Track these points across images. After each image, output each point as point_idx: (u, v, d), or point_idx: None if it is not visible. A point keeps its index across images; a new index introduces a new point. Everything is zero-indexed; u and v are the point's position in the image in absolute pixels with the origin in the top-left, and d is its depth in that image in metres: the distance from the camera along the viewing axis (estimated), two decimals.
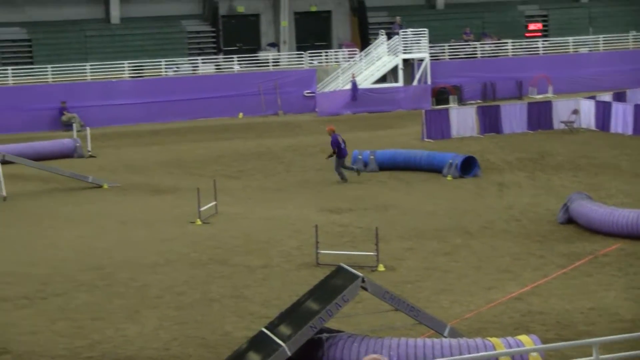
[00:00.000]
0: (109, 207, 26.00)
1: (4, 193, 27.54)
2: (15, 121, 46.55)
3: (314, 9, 57.61)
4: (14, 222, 24.31)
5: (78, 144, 37.33)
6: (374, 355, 7.17)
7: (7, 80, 48.83)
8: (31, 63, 51.44)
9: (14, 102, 47.46)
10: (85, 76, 49.89)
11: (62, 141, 38.02)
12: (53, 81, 49.40)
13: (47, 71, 49.54)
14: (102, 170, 32.38)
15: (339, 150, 28.24)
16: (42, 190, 29.46)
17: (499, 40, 55.22)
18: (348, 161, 29.83)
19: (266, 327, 12.76)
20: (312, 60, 53.46)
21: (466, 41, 54.70)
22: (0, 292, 17.23)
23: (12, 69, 49.25)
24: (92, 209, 25.81)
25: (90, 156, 36.71)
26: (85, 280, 17.97)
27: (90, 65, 50.15)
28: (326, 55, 54.14)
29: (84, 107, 48.00)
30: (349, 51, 53.79)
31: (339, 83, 50.43)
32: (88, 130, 38.40)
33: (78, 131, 40.32)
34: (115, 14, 54.45)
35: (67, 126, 45.07)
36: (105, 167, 33.47)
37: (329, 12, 57.97)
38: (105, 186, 29.20)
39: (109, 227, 23.28)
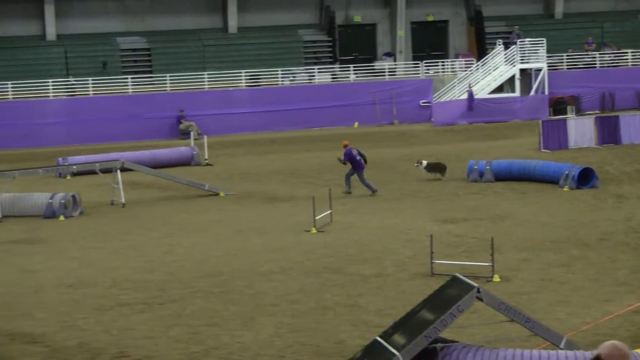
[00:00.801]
0: (225, 215, 26.37)
1: (123, 200, 28.19)
2: (135, 129, 47.58)
3: (430, 18, 57.46)
4: (132, 229, 24.85)
5: (195, 152, 37.97)
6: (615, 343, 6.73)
7: (127, 88, 49.90)
8: (150, 72, 52.49)
9: (134, 110, 48.51)
10: (203, 85, 50.69)
11: (180, 149, 38.71)
12: (171, 90, 50.32)
13: (165, 80, 50.48)
14: (219, 179, 32.86)
15: (353, 163, 28.42)
16: (160, 197, 30.05)
17: (618, 50, 54.20)
18: (459, 172, 29.71)
19: (380, 336, 12.78)
20: (428, 69, 53.32)
21: (587, 51, 53.84)
22: (119, 297, 17.62)
23: (132, 78, 50.32)
24: (209, 217, 26.21)
25: (207, 164, 37.29)
26: (201, 287, 18.25)
27: (208, 74, 50.92)
28: (442, 65, 53.94)
29: (201, 116, 48.77)
30: (465, 61, 53.51)
31: (455, 93, 50.19)
32: (205, 139, 38.99)
33: (195, 139, 40.99)
34: (233, 23, 55.18)
35: (185, 134, 45.89)
36: (221, 175, 33.96)
37: (445, 21, 57.75)
38: (222, 194, 29.63)
39: (225, 234, 23.61)
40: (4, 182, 27.92)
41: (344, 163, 28.72)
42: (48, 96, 49.00)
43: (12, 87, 48.70)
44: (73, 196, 27.38)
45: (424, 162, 30.79)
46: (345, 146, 28.90)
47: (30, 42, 53.05)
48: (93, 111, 48.21)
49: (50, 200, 26.98)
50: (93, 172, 30.59)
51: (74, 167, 31.69)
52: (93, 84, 49.64)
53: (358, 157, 28.43)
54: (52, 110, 48.26)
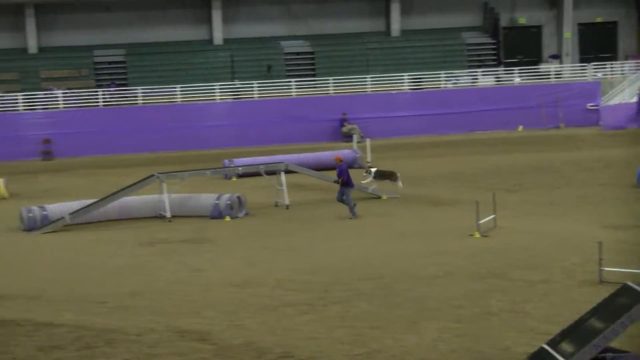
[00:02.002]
0: (388, 218, 26.37)
1: (287, 202, 28.53)
2: (298, 132, 48.13)
3: (598, 19, 56.18)
4: (296, 231, 25.12)
5: (358, 155, 38.13)
6: None
7: (291, 92, 50.52)
8: (314, 75, 53.01)
9: (297, 113, 49.08)
10: (366, 88, 50.87)
11: (343, 152, 38.90)
12: (334, 93, 50.68)
13: (328, 83, 50.88)
14: (381, 181, 32.88)
15: (348, 180, 27.01)
16: (323, 199, 30.28)
17: None
18: (627, 178, 28.89)
19: (547, 344, 12.52)
20: (596, 72, 52.09)
21: None
22: (283, 298, 17.82)
23: (296, 81, 50.92)
24: (371, 220, 26.26)
25: (370, 167, 37.38)
26: (364, 290, 18.28)
27: (371, 77, 51.07)
28: (611, 67, 52.61)
29: (364, 119, 48.96)
30: (635, 63, 52.02)
31: (625, 96, 48.86)
32: (368, 142, 39.10)
33: (358, 142, 41.16)
34: (396, 26, 55.23)
35: (348, 137, 46.15)
36: None
37: (614, 22, 56.37)
38: (384, 197, 29.66)
39: (388, 237, 23.61)
40: (174, 183, 28.67)
41: (341, 180, 27.03)
42: (215, 99, 50.08)
43: (181, 91, 49.95)
44: (238, 197, 27.90)
45: (373, 171, 30.08)
46: (339, 161, 27.51)
47: (198, 46, 54.36)
48: (258, 114, 49.04)
49: (217, 201, 27.55)
50: (258, 174, 31.09)
51: (240, 169, 32.27)
52: (258, 87, 50.45)
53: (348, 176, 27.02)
54: (219, 113, 49.30)
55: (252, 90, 50.58)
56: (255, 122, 48.72)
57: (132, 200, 28.26)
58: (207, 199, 28.03)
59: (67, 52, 53.49)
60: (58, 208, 27.27)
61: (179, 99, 49.96)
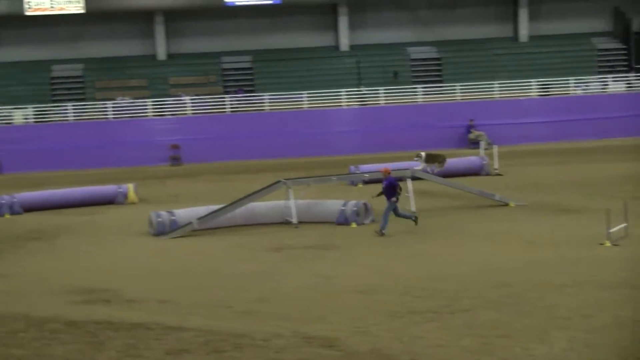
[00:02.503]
0: (516, 226, 26.02)
1: (414, 209, 28.40)
2: (424, 138, 47.97)
3: None
4: (424, 238, 24.97)
5: (485, 162, 37.76)
6: None
7: (417, 98, 50.38)
8: (440, 81, 52.77)
9: (423, 119, 48.94)
10: (493, 94, 50.37)
11: (470, 159, 38.60)
12: (461, 99, 50.35)
13: (455, 89, 50.57)
14: (508, 189, 32.48)
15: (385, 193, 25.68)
16: (450, 206, 30.06)
17: None
18: None
19: None
20: None
21: None
22: (410, 305, 17.72)
23: (422, 87, 50.74)
24: (499, 227, 25.94)
25: (497, 174, 36.98)
26: (491, 298, 18.05)
27: (498, 83, 50.56)
28: None
29: (491, 125, 48.52)
30: None
31: None
32: (495, 148, 38.68)
33: (485, 149, 40.78)
34: (524, 32, 54.60)
35: (474, 144, 45.77)
36: (511, 186, 33.56)
37: None
38: (512, 204, 29.28)
39: (515, 245, 23.28)
40: (300, 189, 28.84)
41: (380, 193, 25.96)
42: (341, 105, 50.26)
43: (308, 97, 50.29)
44: (365, 204, 27.89)
45: (423, 155, 29.30)
46: (387, 174, 26.31)
47: (325, 52, 54.67)
48: (383, 120, 49.05)
49: (343, 208, 27.60)
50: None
51: (366, 175, 32.26)
52: (384, 93, 50.44)
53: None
54: (345, 120, 49.47)
55: (378, 97, 50.59)
56: (381, 128, 48.73)
57: (259, 206, 28.53)
58: (333, 205, 28.11)
59: (195, 58, 54.44)
60: (186, 213, 27.70)
61: (305, 105, 50.30)
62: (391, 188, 25.51)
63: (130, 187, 34.76)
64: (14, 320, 17.82)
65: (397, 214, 25.83)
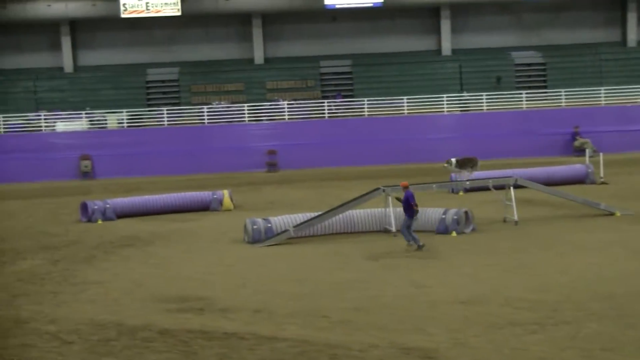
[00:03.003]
0: (621, 236, 25.59)
1: (516, 217, 28.14)
2: (527, 145, 47.55)
3: None
4: (525, 247, 24.72)
5: (590, 170, 37.24)
6: None
7: (521, 104, 49.93)
8: (545, 87, 52.23)
9: (527, 126, 48.49)
10: (599, 101, 49.66)
11: (574, 167, 38.11)
12: (566, 105, 49.74)
13: (560, 95, 49.99)
14: (614, 198, 32.00)
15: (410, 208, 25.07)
16: (553, 215, 29.71)
17: None
18: None
19: None
20: None
21: None
22: (512, 316, 17.57)
23: (526, 93, 50.28)
24: (604, 237, 25.55)
25: (602, 183, 36.45)
26: (595, 309, 17.79)
27: (605, 89, 49.84)
28: None
29: (596, 133, 47.84)
30: None
31: None
32: (601, 156, 38.12)
33: (590, 157, 40.21)
34: (632, 37, 53.83)
35: (579, 151, 45.18)
36: (617, 195, 33.05)
37: None
38: (618, 214, 28.81)
39: (621, 255, 22.90)
40: (399, 196, 28.74)
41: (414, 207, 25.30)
42: (442, 111, 50.06)
43: (408, 102, 50.21)
44: (466, 212, 27.73)
45: (453, 161, 28.25)
46: (405, 188, 25.71)
47: (426, 57, 54.54)
48: (486, 126, 48.72)
49: (443, 216, 27.49)
50: (486, 189, 30.81)
51: (467, 182, 32.04)
52: (487, 98, 50.09)
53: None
54: (446, 126, 49.27)
55: (481, 102, 50.26)
56: (484, 134, 48.39)
57: (357, 214, 28.57)
58: (433, 213, 28.01)
59: (293, 62, 54.80)
60: (282, 220, 27.87)
61: (405, 111, 50.21)
62: (407, 203, 25.15)
63: (225, 194, 35.11)
64: (105, 328, 18.13)
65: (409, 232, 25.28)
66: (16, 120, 51.12)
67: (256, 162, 48.61)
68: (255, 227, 27.41)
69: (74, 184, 45.54)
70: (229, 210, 34.43)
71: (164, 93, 54.75)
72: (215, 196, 34.90)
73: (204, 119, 50.94)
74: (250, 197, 37.25)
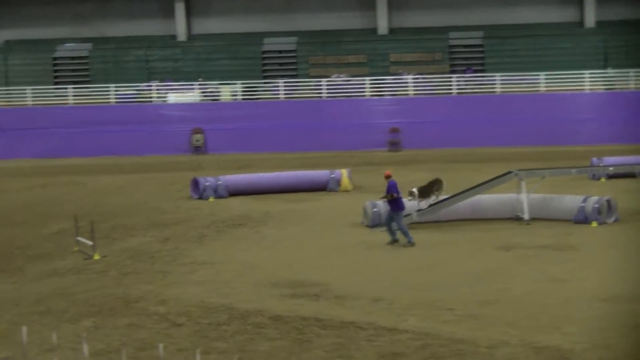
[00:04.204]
0: None
1: None
2: None
3: None
4: None
5: None
6: None
7: None
8: None
9: None
10: None
11: None
12: None
13: None
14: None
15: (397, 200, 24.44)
16: None
17: None
18: None
19: None
20: None
21: None
22: None
23: None
24: None
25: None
26: None
27: None
28: None
29: None
30: None
31: None
32: None
33: None
34: None
35: None
36: None
37: None
38: None
39: None
40: (534, 181, 28.39)
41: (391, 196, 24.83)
42: (583, 89, 49.22)
43: (545, 79, 49.50)
44: (608, 201, 27.20)
45: (415, 190, 26.81)
46: (388, 177, 25.18)
47: (566, 29, 53.68)
48: (633, 107, 47.69)
49: (583, 204, 27.02)
50: (631, 175, 30.21)
51: (610, 168, 31.44)
52: (634, 76, 49.07)
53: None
54: (588, 105, 48.44)
55: (627, 80, 49.24)
56: (631, 116, 47.39)
57: (486, 199, 28.29)
58: (571, 201, 27.55)
59: (419, 33, 54.48)
60: (404, 204, 27.73)
61: (542, 88, 49.53)
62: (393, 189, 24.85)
63: (343, 173, 35.13)
64: (216, 311, 18.32)
65: (389, 224, 24.99)
66: (127, 90, 51.99)
67: (377, 141, 48.53)
68: (375, 210, 27.36)
69: (185, 158, 46.18)
70: (347, 191, 34.46)
71: (280, 64, 55.02)
72: (333, 176, 34.94)
73: (322, 93, 51.03)
74: (370, 178, 37.20)
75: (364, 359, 15.16)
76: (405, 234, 24.65)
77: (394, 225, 24.88)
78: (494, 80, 50.31)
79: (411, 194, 26.35)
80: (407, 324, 16.94)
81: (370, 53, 54.17)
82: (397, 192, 24.84)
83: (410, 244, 24.45)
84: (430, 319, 17.29)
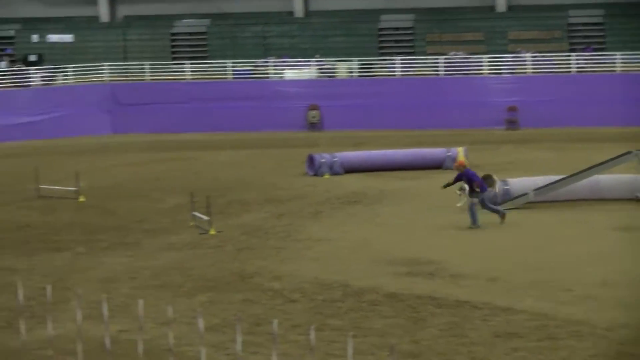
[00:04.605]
0: None
1: None
2: None
3: None
4: None
5: None
6: None
7: None
8: None
9: None
10: None
11: None
12: None
13: None
14: None
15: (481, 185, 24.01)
16: None
17: None
18: None
19: None
20: None
21: None
22: None
23: None
24: None
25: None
26: None
27: None
28: None
29: None
30: None
31: None
32: None
33: None
34: None
35: None
36: None
37: None
38: None
39: None
40: None
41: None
42: None
43: None
44: None
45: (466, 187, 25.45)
46: (462, 167, 24.77)
47: None
48: None
49: None
50: None
51: None
52: None
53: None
54: None
55: None
56: None
57: (605, 179, 27.81)
58: None
59: (538, 11, 53.72)
60: (520, 183, 27.46)
61: None
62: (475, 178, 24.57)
63: (460, 151, 34.88)
64: (331, 288, 18.40)
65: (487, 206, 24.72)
66: (244, 66, 52.36)
67: (494, 119, 48.06)
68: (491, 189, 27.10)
69: (301, 135, 46.37)
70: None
71: (396, 42, 54.78)
72: (449, 154, 34.74)
73: (439, 71, 50.74)
74: (486, 157, 36.88)
75: (478, 338, 15.07)
76: (472, 214, 24.25)
77: (486, 205, 24.57)
78: (615, 58, 49.37)
79: (462, 189, 25.92)
80: (523, 304, 16.80)
81: (488, 31, 53.59)
82: (477, 179, 24.49)
83: (475, 226, 24.10)
84: (546, 300, 17.12)
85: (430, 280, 18.83)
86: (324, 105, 49.47)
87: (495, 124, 48.03)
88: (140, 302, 13.12)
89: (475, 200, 24.38)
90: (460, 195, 25.35)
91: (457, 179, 24.78)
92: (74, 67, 50.84)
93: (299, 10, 56.32)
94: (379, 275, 19.28)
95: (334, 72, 51.82)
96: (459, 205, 25.09)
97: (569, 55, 50.09)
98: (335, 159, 33.97)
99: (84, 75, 51.07)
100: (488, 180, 26.11)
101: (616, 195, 27.67)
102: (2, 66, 50.71)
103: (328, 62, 52.01)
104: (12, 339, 15.77)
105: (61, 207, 28.32)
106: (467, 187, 25.24)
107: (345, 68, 51.69)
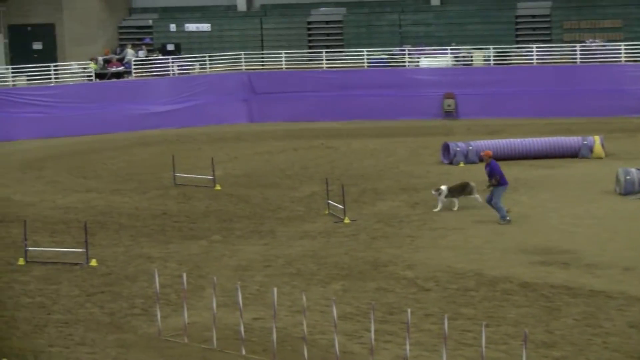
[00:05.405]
0: None
1: None
2: None
3: None
4: None
5: None
6: None
7: None
8: None
9: None
10: None
11: None
12: None
13: None
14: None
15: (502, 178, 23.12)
16: None
17: None
18: None
19: None
20: None
21: None
22: None
23: None
24: None
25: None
26: None
27: None
28: None
29: None
30: None
31: None
32: None
33: None
34: None
35: None
36: None
37: None
38: None
39: None
40: None
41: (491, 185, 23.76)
42: None
43: None
44: None
45: (444, 188, 23.72)
46: (488, 158, 23.99)
47: None
48: None
49: None
50: None
51: None
52: None
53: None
54: None
55: None
56: None
57: None
58: None
59: None
60: None
61: None
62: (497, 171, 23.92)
63: (596, 140, 34.44)
64: (464, 277, 18.44)
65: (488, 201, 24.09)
66: (380, 54, 52.42)
67: (632, 107, 47.16)
68: (628, 177, 26.72)
69: (436, 123, 46.21)
70: (600, 158, 33.73)
71: (533, 29, 54.14)
72: (585, 142, 34.29)
73: (576, 58, 50.01)
74: (624, 145, 36.31)
75: (613, 328, 14.96)
76: (498, 210, 23.78)
77: (494, 202, 23.98)
78: None
79: (437, 190, 25.42)
80: None
81: (627, 18, 52.56)
82: (500, 171, 24.04)
83: (506, 221, 23.58)
84: None
85: (564, 270, 18.72)
86: (459, 93, 49.20)
87: (633, 112, 47.15)
88: (274, 290, 13.43)
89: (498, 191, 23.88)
90: (434, 194, 25.17)
91: (491, 173, 24.09)
92: (210, 56, 51.52)
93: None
94: (513, 265, 19.23)
95: (470, 60, 51.50)
96: (435, 210, 24.84)
97: None
98: (471, 148, 33.84)
99: (220, 64, 51.73)
100: (467, 187, 25.64)
101: None
102: (141, 55, 51.61)
103: (464, 50, 51.72)
104: (148, 326, 16.20)
105: (197, 195, 28.79)
106: (443, 188, 25.00)
107: (481, 56, 51.30)
